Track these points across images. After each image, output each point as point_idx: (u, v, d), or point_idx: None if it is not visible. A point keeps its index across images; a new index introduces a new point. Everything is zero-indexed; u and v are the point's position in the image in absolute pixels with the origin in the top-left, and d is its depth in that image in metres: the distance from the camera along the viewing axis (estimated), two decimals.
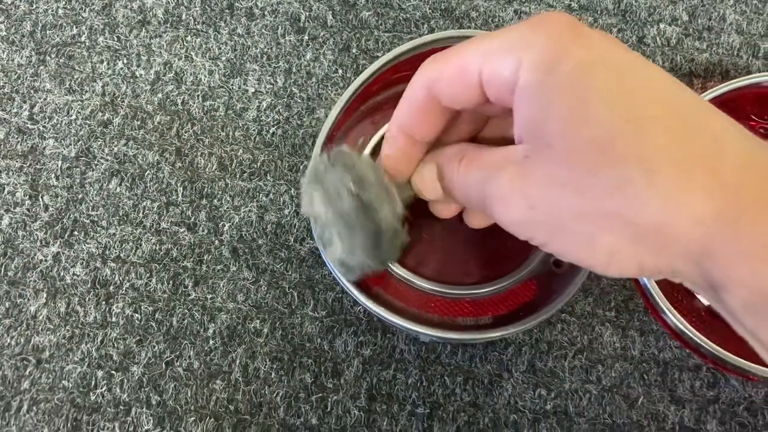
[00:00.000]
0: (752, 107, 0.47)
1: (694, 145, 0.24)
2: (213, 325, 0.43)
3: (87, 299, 0.43)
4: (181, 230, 0.45)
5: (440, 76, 0.29)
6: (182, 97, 0.48)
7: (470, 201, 0.30)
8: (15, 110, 0.47)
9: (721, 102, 0.45)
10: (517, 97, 0.26)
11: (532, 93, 0.26)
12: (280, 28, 0.51)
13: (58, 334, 0.42)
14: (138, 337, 0.43)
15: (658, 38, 0.52)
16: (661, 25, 0.53)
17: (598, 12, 0.53)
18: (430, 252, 0.44)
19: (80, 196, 0.45)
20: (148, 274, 0.44)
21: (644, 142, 0.24)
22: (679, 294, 0.43)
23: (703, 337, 0.40)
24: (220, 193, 0.46)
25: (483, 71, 0.27)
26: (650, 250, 0.25)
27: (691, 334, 0.40)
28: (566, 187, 0.25)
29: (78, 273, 0.44)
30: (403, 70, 0.48)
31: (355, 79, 0.48)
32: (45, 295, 0.43)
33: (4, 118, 0.47)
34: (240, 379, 0.42)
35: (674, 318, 0.41)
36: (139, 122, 0.47)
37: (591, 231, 0.25)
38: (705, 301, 0.43)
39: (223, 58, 0.50)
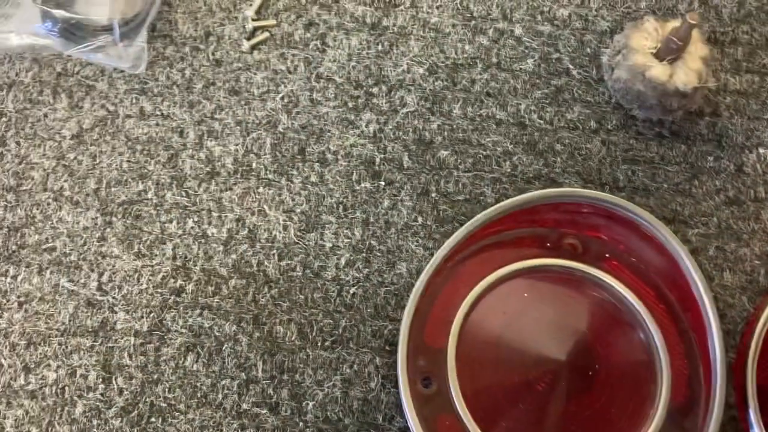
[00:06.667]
0: None
1: None
2: None
3: None
4: (263, 412, 0.42)
5: None
6: (257, 257, 0.45)
7: None
8: (83, 280, 0.45)
9: None
10: None
11: None
12: (354, 173, 0.48)
13: None
14: None
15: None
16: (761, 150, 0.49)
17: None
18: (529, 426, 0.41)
19: (155, 377, 0.43)
20: None
21: None
22: None
23: None
24: (301, 366, 0.43)
25: None
26: None
27: None
28: None
29: None
30: (492, 228, 0.45)
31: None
32: None
33: (73, 290, 0.45)
34: None
35: None
36: (213, 288, 0.45)
37: None
38: None
39: (298, 211, 0.47)
